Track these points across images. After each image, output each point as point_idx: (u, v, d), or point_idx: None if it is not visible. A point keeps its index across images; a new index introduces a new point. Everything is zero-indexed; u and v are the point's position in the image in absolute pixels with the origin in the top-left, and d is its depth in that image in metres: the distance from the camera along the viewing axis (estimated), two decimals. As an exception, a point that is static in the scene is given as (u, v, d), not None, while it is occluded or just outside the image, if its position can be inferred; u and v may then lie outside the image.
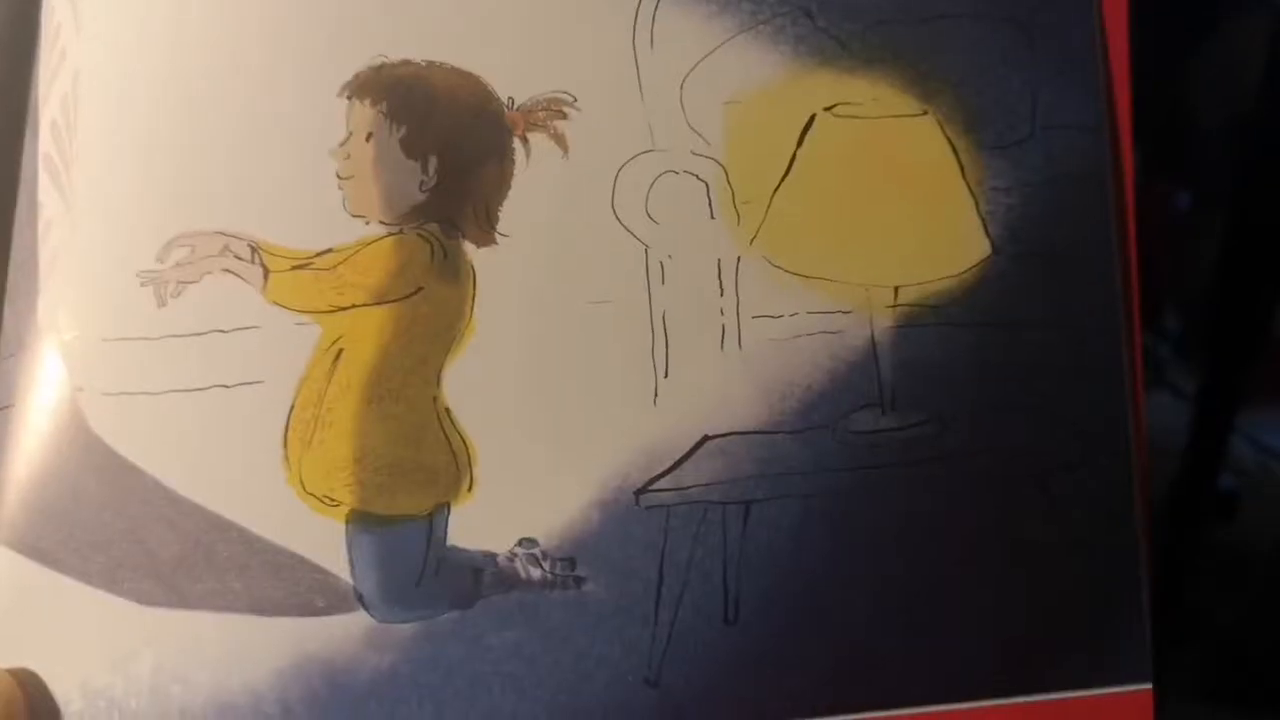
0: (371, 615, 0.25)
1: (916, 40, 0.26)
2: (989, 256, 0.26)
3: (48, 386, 0.24)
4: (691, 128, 0.26)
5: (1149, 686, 0.26)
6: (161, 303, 0.24)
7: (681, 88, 0.26)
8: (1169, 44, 0.44)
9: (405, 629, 0.25)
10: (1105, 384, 0.26)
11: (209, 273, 0.24)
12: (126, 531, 0.24)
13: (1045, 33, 0.27)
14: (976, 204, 0.26)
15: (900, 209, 0.26)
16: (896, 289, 0.26)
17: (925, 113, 0.26)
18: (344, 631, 0.24)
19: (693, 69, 0.26)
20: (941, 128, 0.26)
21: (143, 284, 0.24)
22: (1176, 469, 0.52)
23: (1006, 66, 0.27)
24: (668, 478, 0.25)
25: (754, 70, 0.26)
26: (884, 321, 0.26)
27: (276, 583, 0.24)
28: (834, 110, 0.26)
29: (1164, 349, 0.56)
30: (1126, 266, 0.27)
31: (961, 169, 0.26)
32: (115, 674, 0.24)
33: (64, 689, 0.24)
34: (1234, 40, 0.47)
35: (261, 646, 0.24)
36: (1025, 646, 0.25)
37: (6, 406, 0.24)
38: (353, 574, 0.25)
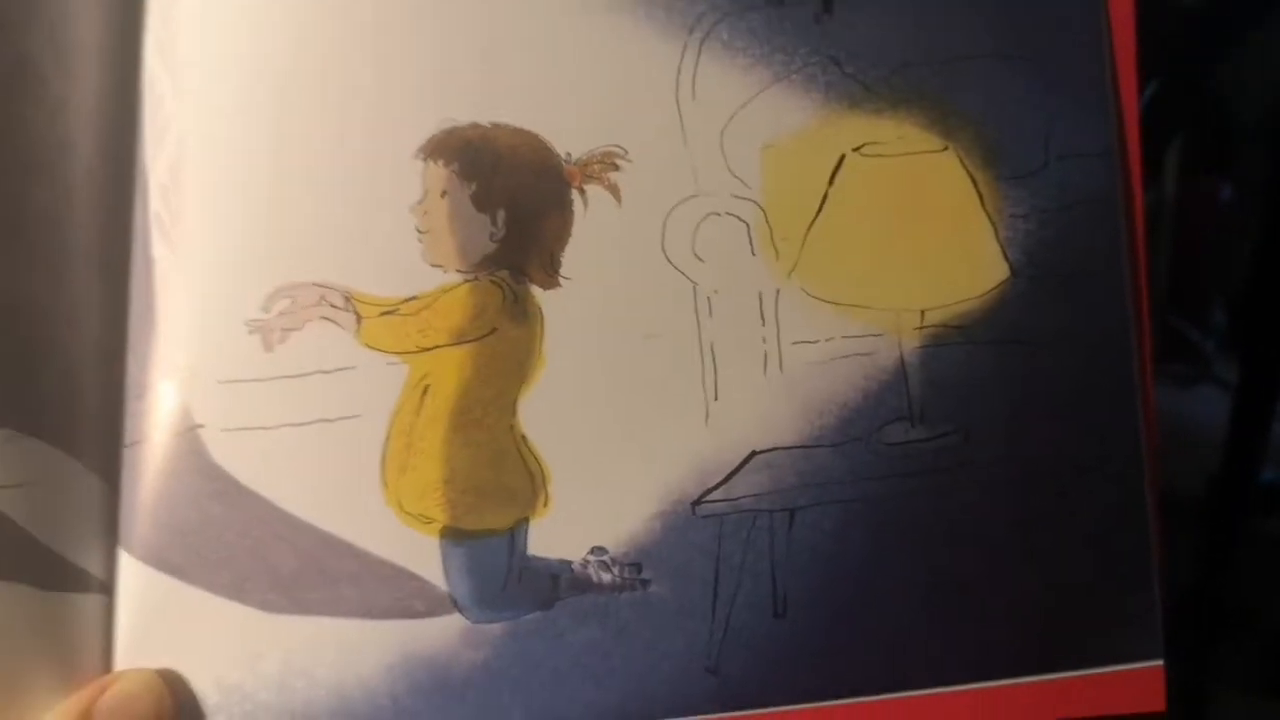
0: (465, 617, 0.29)
1: (937, 82, 0.29)
2: (1008, 279, 0.29)
3: (172, 424, 0.28)
4: (732, 172, 0.29)
5: (1160, 663, 0.29)
6: (269, 348, 0.28)
7: (722, 136, 0.29)
8: (1212, 41, 0.45)
9: (495, 628, 0.28)
10: (1116, 394, 0.29)
11: (309, 320, 0.28)
12: (249, 549, 0.28)
13: (1057, 69, 0.29)
14: (996, 230, 0.29)
15: (925, 238, 0.29)
16: (923, 312, 0.29)
17: (946, 149, 0.29)
18: (442, 632, 0.28)
19: (731, 118, 0.29)
20: (962, 162, 0.29)
21: (251, 332, 0.28)
22: (1222, 463, 0.53)
23: (1021, 102, 0.29)
24: (720, 490, 0.29)
25: (788, 117, 0.29)
26: (912, 342, 0.29)
27: (382, 590, 0.28)
28: (862, 150, 0.29)
29: (1210, 344, 0.57)
30: (1137, 284, 0.29)
31: (981, 199, 0.29)
32: (246, 672, 0.28)
33: (202, 687, 0.29)
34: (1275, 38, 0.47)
35: (371, 646, 0.28)
36: (1044, 631, 0.29)
37: (137, 442, 0.28)
38: (447, 582, 0.28)
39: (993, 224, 0.29)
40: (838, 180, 0.29)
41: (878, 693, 0.28)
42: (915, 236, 0.29)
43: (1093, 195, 0.29)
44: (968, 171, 0.29)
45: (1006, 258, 0.29)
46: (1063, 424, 0.29)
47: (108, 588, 0.29)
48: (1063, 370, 0.29)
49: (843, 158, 0.29)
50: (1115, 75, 0.30)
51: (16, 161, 0.28)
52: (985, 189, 0.29)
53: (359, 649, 0.28)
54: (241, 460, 0.28)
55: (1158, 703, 0.29)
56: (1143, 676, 0.29)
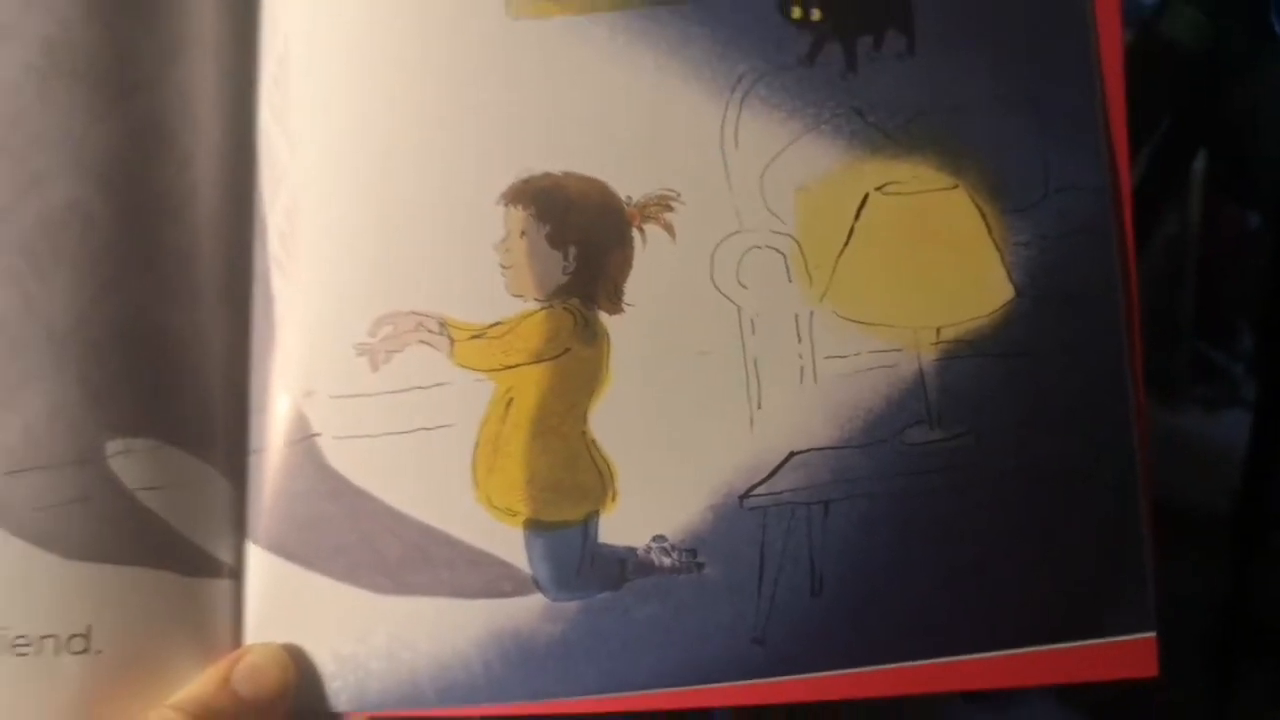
0: (545, 596, 0.32)
1: (947, 128, 0.33)
2: (1013, 299, 0.33)
3: (291, 433, 0.32)
4: (770, 211, 0.32)
5: (1153, 635, 0.32)
6: (375, 367, 0.32)
7: (761, 179, 0.32)
8: (1216, 78, 0.48)
9: (571, 606, 0.32)
10: (1110, 398, 0.32)
11: (409, 343, 0.32)
12: (359, 539, 0.32)
13: (1054, 112, 0.33)
14: (1002, 256, 0.33)
15: (939, 264, 0.33)
16: (938, 329, 0.32)
17: (957, 186, 0.33)
18: (526, 609, 0.32)
19: (769, 164, 0.33)
20: (971, 197, 0.33)
21: (359, 354, 0.32)
22: (1246, 482, 0.55)
23: (1021, 143, 0.33)
24: (763, 485, 0.32)
25: (818, 162, 0.33)
26: (929, 356, 0.32)
27: (474, 574, 0.32)
28: (883, 189, 0.33)
29: (1238, 368, 0.59)
30: (1129, 302, 0.33)
31: (989, 229, 0.33)
32: (358, 645, 0.32)
33: (320, 658, 0.32)
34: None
35: (466, 622, 0.32)
36: (1049, 606, 0.32)
37: (261, 449, 0.32)
38: (530, 566, 0.32)
39: (999, 251, 0.33)
40: (862, 216, 0.32)
41: (902, 660, 0.32)
42: (931, 263, 0.32)
43: (1088, 224, 0.33)
44: (976, 205, 0.33)
45: (1012, 280, 0.32)
46: (1062, 425, 0.32)
47: (237, 574, 0.33)
48: (1062, 378, 0.32)
49: (866, 196, 0.32)
50: (1107, 116, 0.33)
51: (151, 207, 0.32)
52: (992, 220, 0.33)
53: (455, 624, 0.32)
54: (352, 464, 0.32)
55: (1151, 669, 0.32)
56: (1138, 646, 0.32)
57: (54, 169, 0.30)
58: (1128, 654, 0.32)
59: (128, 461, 0.30)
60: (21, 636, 0.30)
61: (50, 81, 0.30)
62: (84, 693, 0.30)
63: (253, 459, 0.32)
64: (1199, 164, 0.52)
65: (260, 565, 0.33)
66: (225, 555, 0.33)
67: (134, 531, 0.31)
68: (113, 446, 0.30)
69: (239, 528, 0.33)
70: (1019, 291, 0.33)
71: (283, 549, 0.32)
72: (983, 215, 0.33)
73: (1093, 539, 0.32)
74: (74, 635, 0.30)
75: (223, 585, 0.32)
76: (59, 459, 0.30)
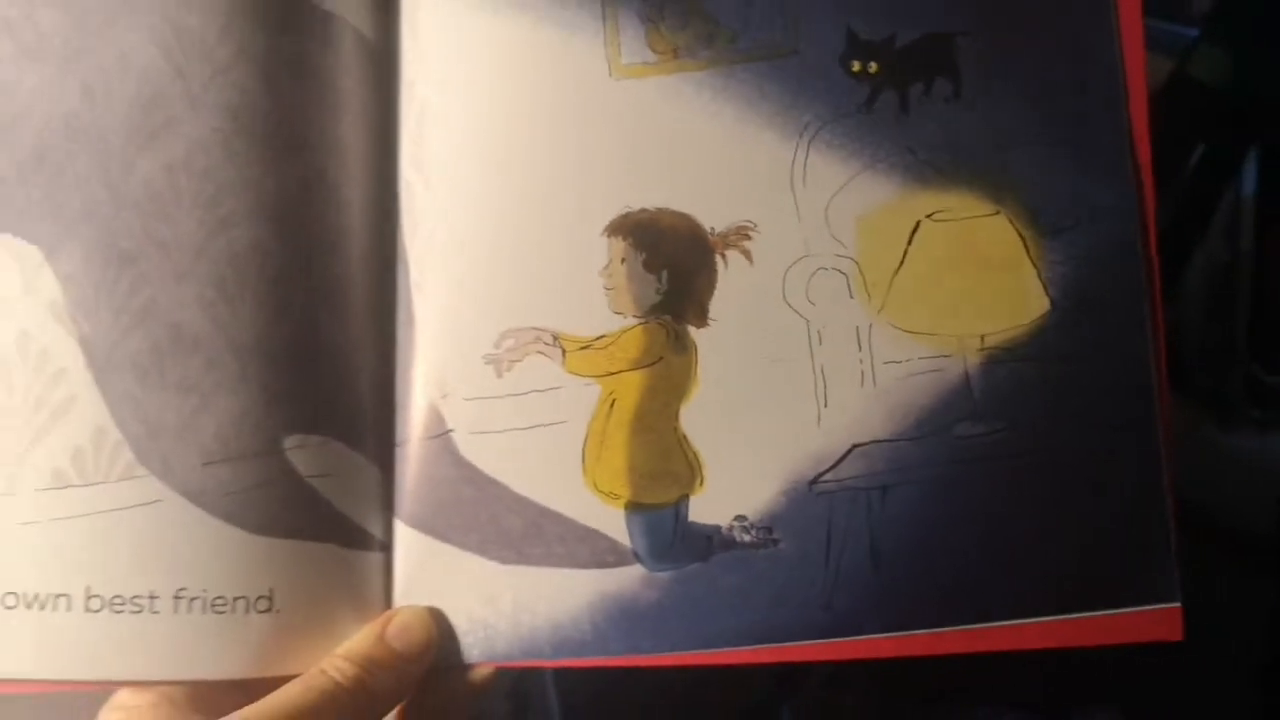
0: (644, 567, 0.36)
1: (990, 162, 0.36)
2: (1049, 310, 0.36)
3: (431, 429, 0.37)
4: (834, 238, 0.36)
5: (1178, 604, 0.36)
6: (499, 374, 0.37)
7: (826, 211, 0.36)
8: (1246, 108, 0.49)
9: (665, 575, 0.36)
10: (1136, 395, 0.36)
11: (528, 354, 0.36)
12: (488, 518, 0.36)
13: (1086, 146, 0.36)
14: (1038, 272, 0.36)
15: (983, 281, 0.36)
16: (982, 337, 0.36)
17: (999, 212, 0.36)
18: (628, 577, 0.36)
19: (833, 197, 0.36)
20: (1011, 222, 0.36)
21: (487, 363, 0.37)
22: None
23: (1057, 173, 0.36)
24: (830, 473, 0.36)
25: (875, 194, 0.36)
26: (974, 360, 0.36)
27: (583, 548, 0.36)
28: (933, 217, 0.36)
29: None
30: (1155, 314, 0.36)
31: (1027, 249, 0.36)
32: (487, 608, 0.36)
33: (456, 619, 0.36)
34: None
35: (577, 588, 0.36)
36: (1081, 578, 0.36)
37: (405, 442, 0.37)
38: (631, 541, 0.36)
39: (1036, 268, 0.36)
40: (915, 240, 0.36)
41: (950, 624, 0.35)
42: (975, 280, 0.36)
43: (1116, 244, 0.36)
44: (1016, 229, 0.36)
45: (1048, 294, 0.36)
46: (1093, 419, 0.36)
47: (387, 547, 0.37)
48: (1092, 378, 0.36)
49: (918, 223, 0.36)
50: (1134, 149, 0.36)
51: (315, 243, 0.37)
52: (1030, 242, 0.36)
53: (568, 590, 0.36)
54: (481, 455, 0.37)
55: (1176, 634, 0.36)
56: (1165, 614, 0.36)
57: (238, 214, 0.35)
58: (1155, 621, 0.36)
59: (301, 454, 0.35)
60: (219, 598, 0.34)
61: (233, 141, 0.35)
62: (269, 644, 0.35)
63: (399, 450, 0.37)
64: (1249, 191, 0.53)
65: (406, 540, 0.37)
66: (377, 531, 0.37)
67: (306, 511, 0.36)
68: (289, 441, 0.35)
69: (388, 508, 0.37)
70: (1054, 303, 0.36)
71: (424, 526, 0.37)
72: (1022, 237, 0.36)
73: (1120, 519, 0.36)
74: (260, 597, 0.35)
75: (375, 556, 0.37)
76: (246, 452, 0.35)
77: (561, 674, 0.45)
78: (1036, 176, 0.36)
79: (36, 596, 0.34)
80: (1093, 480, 0.36)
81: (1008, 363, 0.36)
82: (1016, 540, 0.36)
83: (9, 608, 0.34)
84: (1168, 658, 0.37)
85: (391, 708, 0.36)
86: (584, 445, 0.37)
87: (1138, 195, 0.36)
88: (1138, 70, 0.36)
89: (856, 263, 0.36)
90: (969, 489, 0.36)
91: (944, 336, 0.36)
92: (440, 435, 0.37)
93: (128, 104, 0.35)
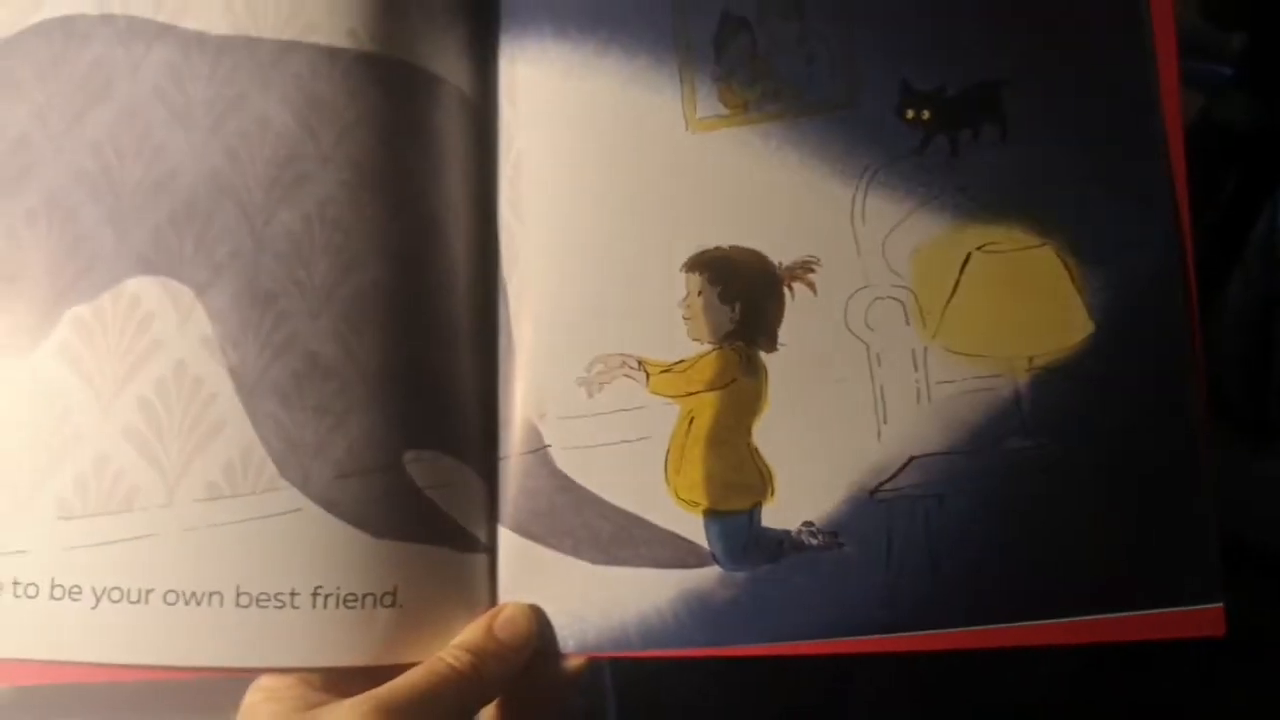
0: (721, 568, 0.39)
1: (1035, 199, 0.39)
2: (1093, 333, 0.39)
3: (530, 445, 0.40)
4: (891, 269, 0.39)
5: (1220, 605, 0.37)
6: (590, 395, 0.40)
7: (883, 245, 0.39)
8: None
9: (740, 575, 0.39)
10: (1176, 410, 0.38)
11: (615, 377, 0.40)
12: (581, 523, 0.40)
13: (1126, 183, 0.39)
14: (1083, 298, 0.39)
15: (1030, 307, 0.39)
16: (1030, 358, 0.39)
17: (1045, 244, 0.39)
18: (706, 577, 0.39)
19: (890, 232, 0.39)
20: (1057, 253, 0.39)
21: (579, 385, 0.40)
22: None
23: (1100, 208, 0.39)
24: (890, 483, 0.38)
25: (929, 230, 0.39)
26: (1023, 380, 0.39)
27: (666, 550, 0.39)
28: (983, 249, 0.39)
29: None
30: (1192, 337, 0.38)
31: (1071, 277, 0.39)
32: (581, 604, 0.39)
33: (554, 613, 0.39)
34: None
35: (661, 586, 0.39)
36: (1125, 579, 0.38)
37: (507, 457, 0.41)
38: (709, 544, 0.39)
39: (1080, 294, 0.39)
40: (966, 270, 0.39)
41: (1002, 621, 0.37)
42: (1023, 306, 0.39)
43: (1155, 272, 0.39)
44: (1061, 259, 0.39)
45: (1092, 318, 0.39)
46: (1135, 433, 0.38)
47: (491, 549, 0.40)
48: (1135, 396, 0.38)
49: (969, 255, 0.39)
50: (1172, 185, 0.39)
51: (428, 281, 0.40)
52: (1074, 270, 0.39)
53: (653, 588, 0.39)
54: (574, 467, 0.40)
55: (1219, 631, 0.37)
56: (1208, 613, 0.38)
57: (364, 257, 0.39)
58: (1198, 619, 0.38)
59: (418, 467, 0.39)
60: (351, 594, 0.38)
61: (359, 193, 0.40)
62: (393, 636, 0.38)
63: (501, 464, 0.41)
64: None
65: (508, 543, 0.40)
66: (482, 535, 0.41)
67: (423, 518, 0.39)
68: (408, 456, 0.39)
69: (492, 515, 0.41)
70: (1098, 327, 0.39)
71: (524, 530, 0.40)
72: (1066, 267, 0.39)
73: (1163, 524, 0.38)
74: (385, 593, 0.38)
75: (481, 558, 0.40)
76: (372, 466, 0.39)
77: (618, 678, 0.48)
78: (1080, 210, 0.39)
79: (194, 594, 0.38)
80: (1136, 489, 0.38)
81: (1054, 381, 0.38)
82: (1064, 544, 0.38)
83: (169, 604, 0.38)
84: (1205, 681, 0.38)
85: (500, 693, 0.39)
86: (665, 458, 0.40)
87: (1175, 226, 0.39)
88: (1174, 110, 0.39)
89: (912, 292, 0.39)
90: (1019, 497, 0.38)
91: (994, 358, 0.39)
92: (538, 450, 0.40)
93: (266, 162, 0.40)
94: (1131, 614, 0.38)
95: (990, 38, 0.40)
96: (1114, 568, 0.38)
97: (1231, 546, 0.40)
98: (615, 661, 0.42)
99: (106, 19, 0.41)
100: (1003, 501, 0.38)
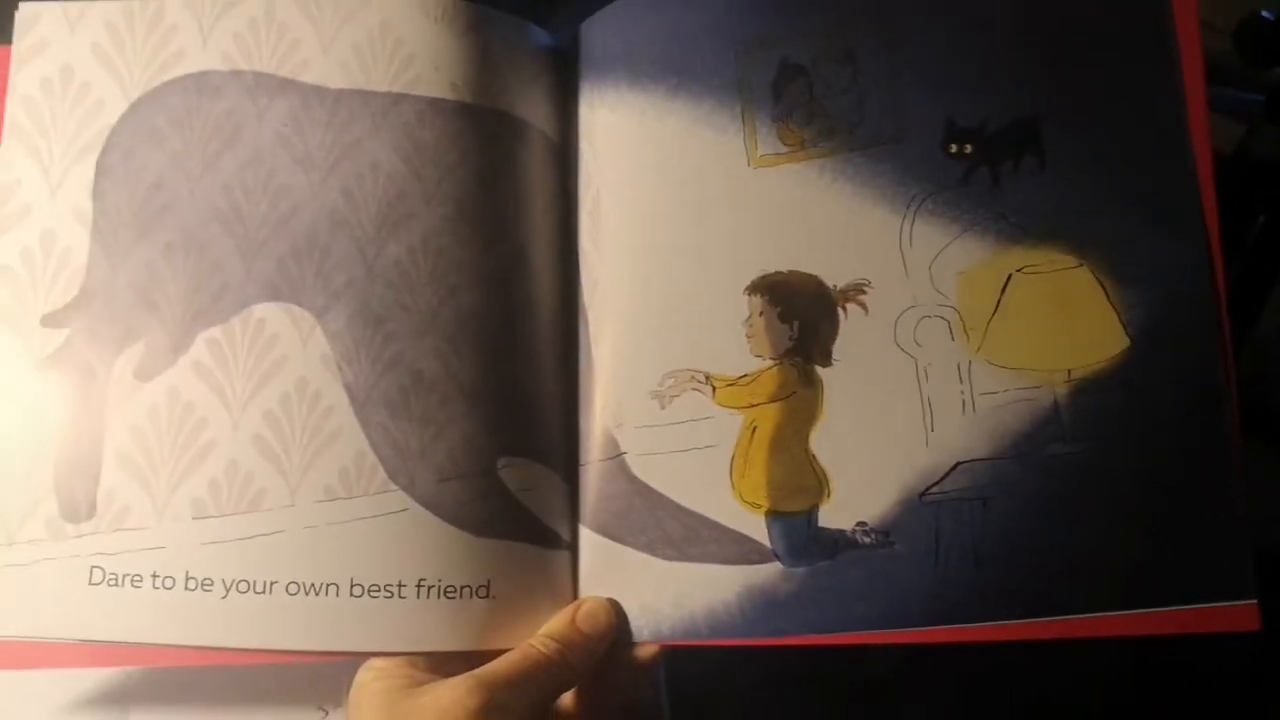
0: (782, 564, 0.41)
1: (1073, 224, 0.42)
2: (1128, 347, 0.41)
3: (608, 452, 0.44)
4: (937, 290, 0.42)
5: (1254, 601, 0.39)
6: (662, 407, 0.43)
7: (930, 268, 0.42)
8: None
9: (800, 570, 0.41)
10: (1209, 417, 0.40)
11: (685, 390, 0.43)
12: (655, 524, 0.43)
13: (1160, 208, 0.41)
14: (1119, 315, 0.41)
15: (1068, 323, 0.41)
16: (1069, 370, 0.41)
17: (1081, 265, 0.41)
18: (769, 572, 0.41)
19: (936, 256, 0.42)
20: (1093, 273, 0.41)
21: (652, 397, 0.43)
22: None
23: (1134, 231, 0.41)
24: (937, 487, 0.41)
25: (972, 253, 0.42)
26: (1062, 390, 0.41)
27: (732, 548, 0.42)
28: (1023, 271, 0.42)
29: None
30: (1224, 352, 0.40)
31: (1108, 295, 0.41)
32: (655, 597, 0.42)
33: (630, 606, 0.42)
34: None
35: (727, 580, 0.42)
36: (1160, 576, 0.39)
37: (587, 463, 0.44)
38: (771, 543, 0.42)
39: (1116, 311, 0.41)
40: (1007, 291, 0.41)
41: (1043, 615, 0.39)
42: (1062, 323, 0.41)
43: (1187, 290, 0.41)
44: (1097, 279, 0.41)
45: (1127, 333, 0.41)
46: (1170, 438, 0.40)
47: (573, 547, 0.44)
48: (1170, 405, 0.40)
49: (1010, 276, 0.42)
50: (1202, 206, 0.41)
51: (517, 305, 0.45)
52: (1110, 289, 0.41)
53: (720, 582, 0.41)
54: (649, 472, 0.43)
55: (1253, 624, 0.39)
56: (1242, 609, 0.39)
57: (462, 283, 0.44)
58: (1233, 615, 0.39)
59: (509, 472, 0.43)
60: (450, 586, 0.41)
61: (458, 227, 0.44)
62: (487, 624, 0.42)
63: (582, 469, 0.44)
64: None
65: (589, 541, 0.43)
66: (565, 534, 0.44)
67: (514, 518, 0.43)
68: (501, 462, 0.43)
69: (574, 516, 0.44)
70: (1133, 341, 0.41)
71: (603, 530, 0.43)
72: (1102, 286, 0.41)
73: (1198, 525, 0.40)
74: (480, 586, 0.42)
75: (564, 555, 0.44)
76: (470, 471, 0.42)
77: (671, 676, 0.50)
78: (1115, 233, 0.41)
79: (313, 585, 0.41)
80: (1172, 491, 0.40)
81: (1092, 392, 0.41)
82: (1102, 543, 0.40)
83: (291, 594, 0.41)
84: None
85: (583, 678, 0.42)
86: (731, 464, 0.43)
87: (1205, 245, 0.41)
88: (1202, 136, 0.41)
89: (957, 310, 0.42)
90: (1059, 499, 0.40)
91: (1035, 370, 0.41)
92: (615, 457, 0.44)
93: (378, 201, 0.44)
94: (1167, 609, 0.39)
95: (1028, 76, 0.43)
96: (1150, 565, 0.40)
97: (1272, 556, 0.41)
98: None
99: (236, 74, 0.45)
100: (1044, 503, 0.40)
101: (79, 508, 0.43)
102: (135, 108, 0.46)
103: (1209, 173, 0.41)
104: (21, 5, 0.47)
